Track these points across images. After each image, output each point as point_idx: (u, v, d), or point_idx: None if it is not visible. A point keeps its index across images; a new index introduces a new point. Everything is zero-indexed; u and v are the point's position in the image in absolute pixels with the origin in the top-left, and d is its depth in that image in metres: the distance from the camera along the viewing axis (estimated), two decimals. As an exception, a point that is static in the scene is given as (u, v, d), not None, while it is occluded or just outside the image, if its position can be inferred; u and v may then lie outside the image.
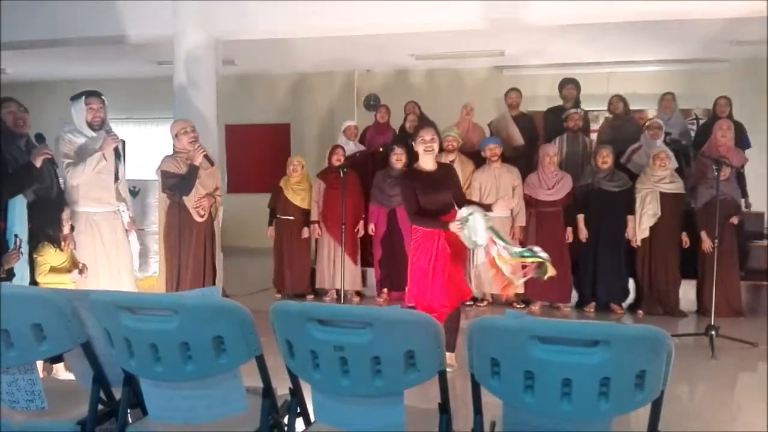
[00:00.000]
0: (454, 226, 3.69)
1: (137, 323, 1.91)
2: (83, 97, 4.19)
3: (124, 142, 4.49)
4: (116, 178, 4.33)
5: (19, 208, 3.75)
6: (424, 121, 6.70)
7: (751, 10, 4.97)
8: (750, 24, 5.71)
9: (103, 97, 4.28)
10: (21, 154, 3.91)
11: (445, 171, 4.13)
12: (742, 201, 5.73)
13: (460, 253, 4.06)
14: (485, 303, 6.08)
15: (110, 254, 4.23)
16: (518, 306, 5.92)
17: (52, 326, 2.03)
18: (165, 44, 6.02)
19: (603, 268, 5.70)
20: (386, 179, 5.98)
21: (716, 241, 4.83)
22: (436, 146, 4.03)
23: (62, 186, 4.16)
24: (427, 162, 4.04)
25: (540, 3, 5.20)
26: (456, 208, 4.10)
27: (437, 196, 3.97)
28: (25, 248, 3.71)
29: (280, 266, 6.26)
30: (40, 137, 4.39)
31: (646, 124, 6.13)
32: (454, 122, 6.58)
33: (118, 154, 4.36)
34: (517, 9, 5.27)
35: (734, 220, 5.40)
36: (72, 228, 4.03)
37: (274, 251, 6.31)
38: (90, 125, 4.19)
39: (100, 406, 2.13)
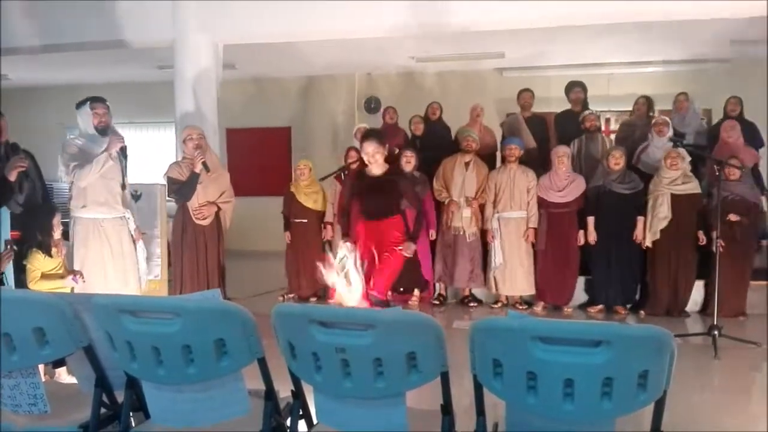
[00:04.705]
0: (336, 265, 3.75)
1: (139, 326, 1.91)
2: (88, 102, 4.23)
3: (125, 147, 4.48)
4: (123, 186, 4.36)
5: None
6: (439, 125, 6.77)
7: (752, 10, 4.97)
8: (751, 24, 5.71)
9: (107, 102, 4.32)
10: None
11: (394, 178, 4.26)
12: (763, 199, 5.63)
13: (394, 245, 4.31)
14: (499, 305, 6.03)
15: (117, 261, 4.24)
16: (521, 307, 5.91)
17: (55, 330, 2.03)
18: (166, 48, 6.03)
19: (614, 271, 5.64)
20: None
21: (719, 241, 4.81)
22: (379, 157, 4.20)
23: (49, 189, 4.15)
24: (373, 168, 4.24)
25: (536, 4, 5.21)
26: (404, 217, 4.28)
27: (377, 200, 4.15)
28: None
29: (295, 269, 6.28)
30: (15, 147, 4.31)
31: (653, 121, 6.13)
32: (456, 124, 6.58)
33: (122, 160, 4.37)
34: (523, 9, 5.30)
35: (732, 217, 5.27)
36: (64, 234, 4.00)
37: (289, 254, 6.35)
38: (97, 130, 4.22)
39: (102, 410, 2.12)
